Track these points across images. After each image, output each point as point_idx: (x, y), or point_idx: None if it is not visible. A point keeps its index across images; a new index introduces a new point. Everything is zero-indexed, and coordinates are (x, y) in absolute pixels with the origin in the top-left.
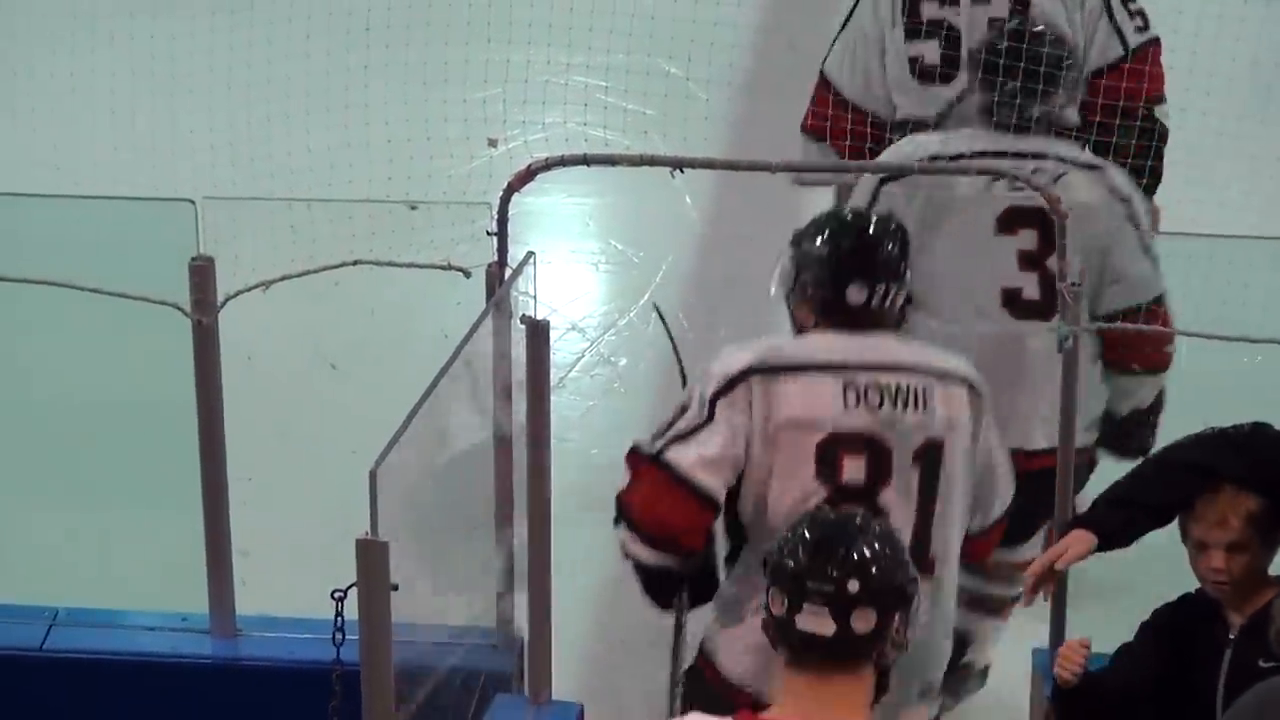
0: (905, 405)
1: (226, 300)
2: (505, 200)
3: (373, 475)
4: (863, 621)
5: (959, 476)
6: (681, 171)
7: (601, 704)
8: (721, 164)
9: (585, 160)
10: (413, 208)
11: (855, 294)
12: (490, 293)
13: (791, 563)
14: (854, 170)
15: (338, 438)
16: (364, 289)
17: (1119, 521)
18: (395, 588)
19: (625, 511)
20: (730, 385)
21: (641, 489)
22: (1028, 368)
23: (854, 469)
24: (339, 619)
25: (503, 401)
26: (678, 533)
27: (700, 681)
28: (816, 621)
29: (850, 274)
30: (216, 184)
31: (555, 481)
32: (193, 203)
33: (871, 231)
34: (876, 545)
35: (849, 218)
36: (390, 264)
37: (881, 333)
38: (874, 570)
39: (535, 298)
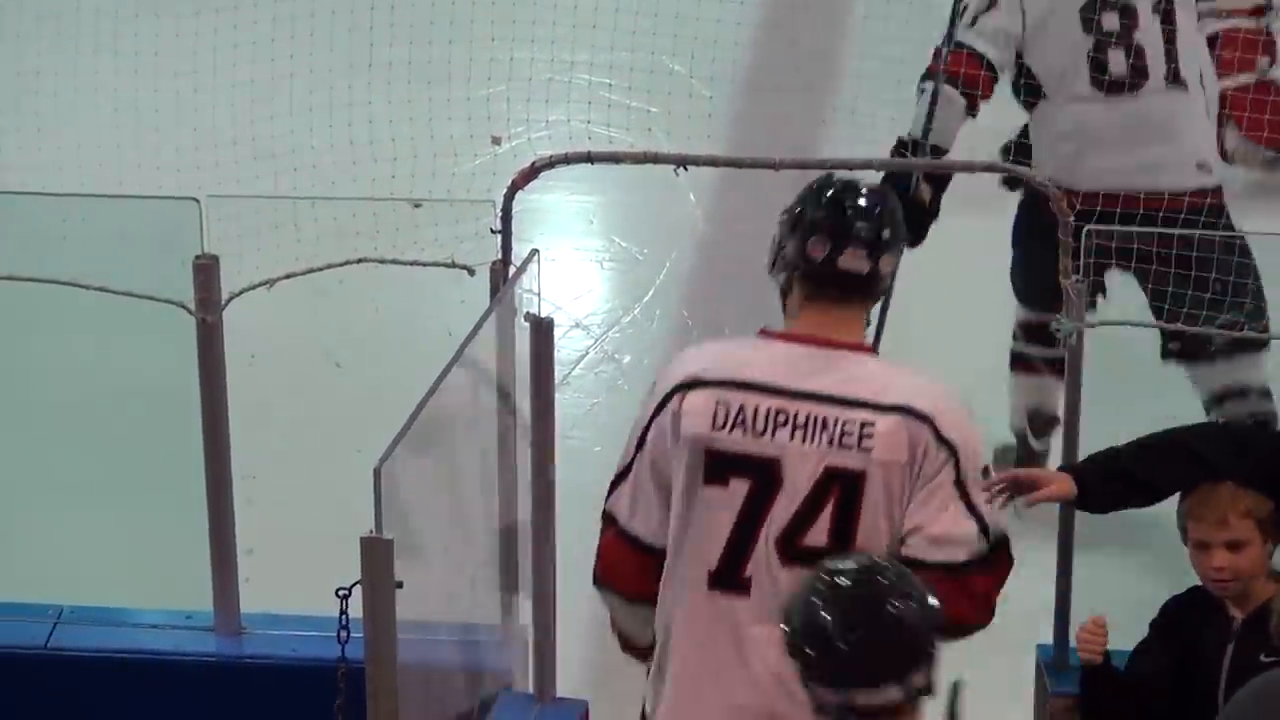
0: None
1: (231, 298)
2: (509, 198)
3: (377, 473)
4: (887, 264)
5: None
6: (685, 169)
7: (606, 701)
8: (724, 161)
9: (589, 158)
10: (417, 205)
11: None
12: (494, 290)
13: (836, 215)
14: (858, 167)
15: (342, 435)
16: (368, 287)
17: (1105, 484)
18: (400, 585)
19: None
20: None
21: None
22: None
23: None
24: (343, 617)
25: (507, 399)
26: None
27: None
28: (856, 260)
29: None
30: (221, 182)
31: (559, 479)
32: (197, 201)
33: None
34: (892, 205)
35: None
36: (394, 262)
37: None
38: (895, 223)
39: (539, 295)
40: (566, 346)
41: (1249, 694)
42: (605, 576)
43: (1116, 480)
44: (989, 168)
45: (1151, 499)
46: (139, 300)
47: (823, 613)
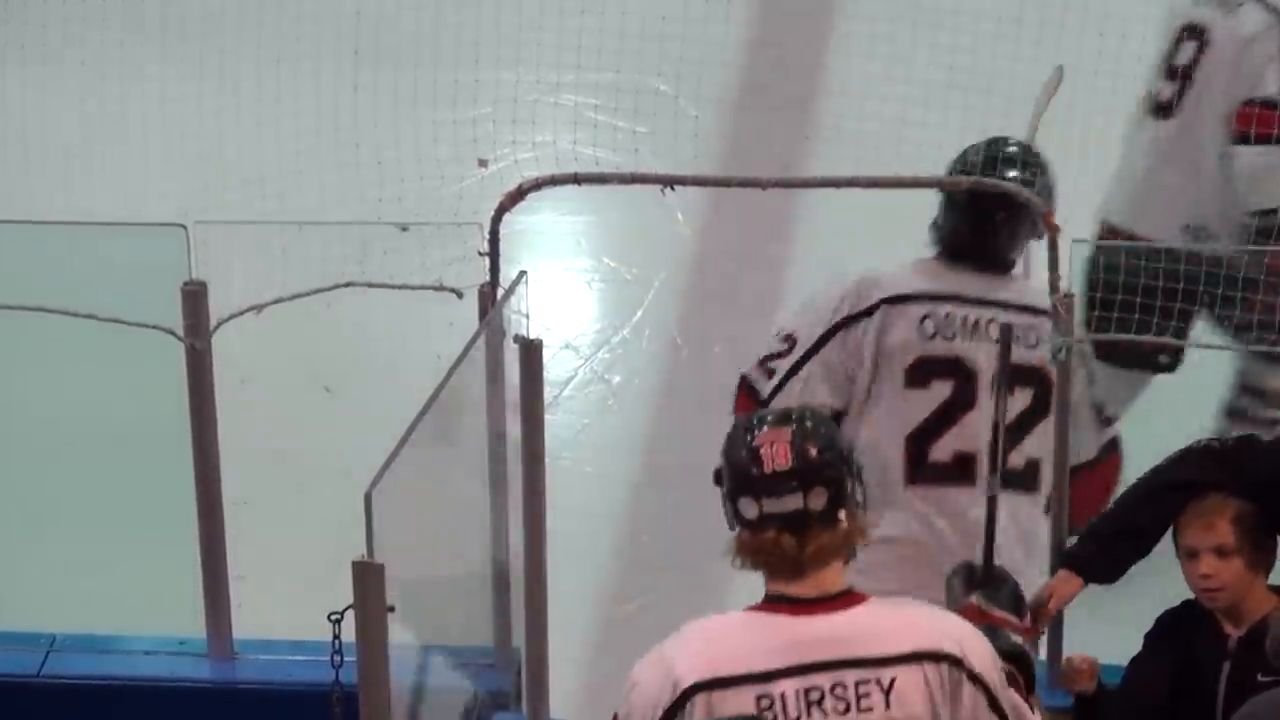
0: None
1: (219, 324)
2: (496, 220)
3: (368, 497)
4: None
5: None
6: (672, 189)
7: None
8: (712, 181)
9: (576, 179)
10: (404, 229)
11: None
12: (483, 313)
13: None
14: (843, 185)
15: (332, 460)
16: (357, 311)
17: (1102, 559)
18: (392, 609)
19: None
20: None
21: None
22: None
23: None
24: (336, 641)
25: (497, 421)
26: None
27: None
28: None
29: None
30: (208, 208)
31: (550, 499)
32: (184, 227)
33: None
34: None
35: None
36: (382, 285)
37: None
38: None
39: (528, 317)
40: (556, 367)
41: (1248, 714)
42: None
43: (1112, 547)
44: (975, 185)
45: (1151, 544)
46: (128, 327)
47: None
